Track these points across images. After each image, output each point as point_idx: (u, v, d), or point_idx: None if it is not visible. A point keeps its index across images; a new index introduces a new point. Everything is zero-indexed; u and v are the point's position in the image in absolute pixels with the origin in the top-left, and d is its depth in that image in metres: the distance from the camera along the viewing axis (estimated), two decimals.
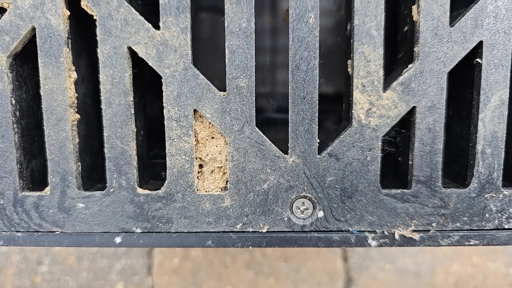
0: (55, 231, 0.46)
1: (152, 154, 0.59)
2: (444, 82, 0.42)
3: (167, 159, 0.44)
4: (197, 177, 0.45)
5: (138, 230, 0.46)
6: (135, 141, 0.45)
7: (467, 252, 1.01)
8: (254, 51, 0.42)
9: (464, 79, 0.45)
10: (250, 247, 0.45)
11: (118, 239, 0.46)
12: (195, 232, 0.46)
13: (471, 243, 0.45)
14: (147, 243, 0.46)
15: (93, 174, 0.51)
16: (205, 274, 1.05)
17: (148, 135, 0.54)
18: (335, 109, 0.62)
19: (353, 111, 0.43)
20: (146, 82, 0.53)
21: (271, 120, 0.63)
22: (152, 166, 0.59)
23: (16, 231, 0.46)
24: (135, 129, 0.45)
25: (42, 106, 0.44)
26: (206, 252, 1.04)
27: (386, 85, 0.43)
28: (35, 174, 0.49)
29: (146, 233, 0.46)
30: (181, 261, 1.03)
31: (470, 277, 1.01)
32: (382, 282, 1.02)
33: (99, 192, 0.45)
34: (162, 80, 0.43)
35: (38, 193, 0.46)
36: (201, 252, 1.03)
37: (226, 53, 0.42)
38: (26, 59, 0.47)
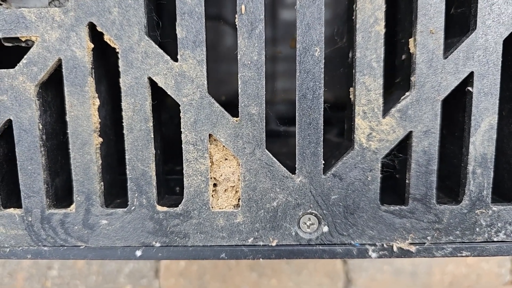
0: (80, 245, 0.50)
1: (166, 169, 0.63)
2: (438, 109, 0.46)
3: (184, 179, 0.48)
4: (212, 195, 0.49)
5: (157, 244, 0.50)
6: (155, 163, 0.49)
7: None
8: (264, 82, 0.46)
9: (457, 103, 0.49)
10: (261, 259, 0.49)
11: (138, 253, 0.50)
12: (210, 246, 0.49)
13: (463, 255, 0.49)
14: (165, 256, 0.50)
15: (112, 190, 0.55)
16: (211, 276, 1.08)
17: (163, 151, 0.58)
18: (335, 118, 0.65)
19: (355, 135, 0.47)
20: (161, 102, 0.56)
21: (275, 132, 0.67)
22: (166, 181, 0.63)
23: (44, 246, 0.50)
24: (154, 151, 0.49)
25: (68, 131, 0.48)
26: None
27: (385, 111, 0.47)
28: (58, 192, 0.53)
29: (165, 247, 0.50)
30: (187, 264, 1.06)
31: (465, 277, 1.06)
32: (381, 282, 1.06)
33: (121, 209, 0.49)
34: (180, 108, 0.47)
35: (64, 210, 0.50)
36: None
37: (239, 83, 0.46)
38: (49, 85, 0.50)
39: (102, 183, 0.49)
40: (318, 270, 1.08)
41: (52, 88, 0.51)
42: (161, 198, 0.54)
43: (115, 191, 0.56)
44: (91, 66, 0.47)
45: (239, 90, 0.46)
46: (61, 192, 0.54)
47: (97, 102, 0.48)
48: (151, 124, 0.48)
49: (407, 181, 0.48)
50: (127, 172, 0.48)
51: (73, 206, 0.49)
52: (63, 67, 0.47)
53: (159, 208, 0.49)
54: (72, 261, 1.04)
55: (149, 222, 0.49)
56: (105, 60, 0.52)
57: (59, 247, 0.50)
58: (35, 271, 1.04)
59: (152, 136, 0.48)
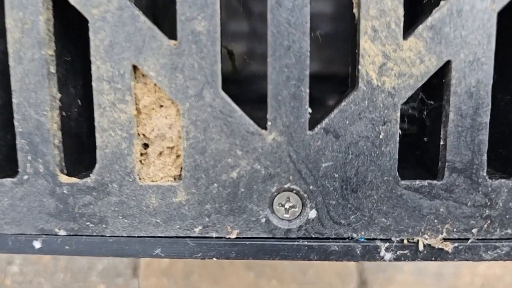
0: None
1: None
2: (492, 25, 0.29)
3: (96, 135, 0.32)
4: (140, 161, 0.32)
5: (62, 233, 0.33)
6: (58, 111, 0.33)
7: None
8: None
9: None
10: (214, 259, 0.33)
11: (37, 244, 0.34)
12: (138, 237, 0.33)
13: None
14: (75, 249, 0.34)
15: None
16: (199, 276, 0.95)
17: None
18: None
19: (360, 67, 0.30)
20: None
21: (246, 87, 0.49)
22: None
23: None
24: (58, 94, 0.33)
25: None
26: None
27: (409, 29, 0.29)
28: None
29: (73, 236, 0.33)
30: (171, 261, 0.92)
31: (498, 279, 0.92)
32: (400, 284, 0.92)
33: (8, 179, 0.33)
34: (89, 24, 0.30)
35: None
36: None
37: None
38: None
39: None
40: (326, 270, 0.95)
41: None
42: (84, 170, 0.38)
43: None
44: None
45: None
46: None
47: None
48: (50, 51, 0.31)
49: (441, 142, 0.31)
50: (15, 123, 0.32)
51: None
52: None
53: (62, 178, 0.33)
54: (36, 256, 0.90)
55: (49, 199, 0.33)
56: None
57: None
58: None
59: (52, 70, 0.32)
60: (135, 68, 0.31)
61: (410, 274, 0.91)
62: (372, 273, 0.91)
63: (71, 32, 0.35)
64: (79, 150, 0.37)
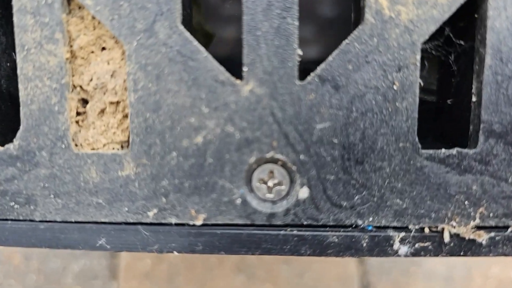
0: None
1: None
2: None
3: (19, 86, 0.24)
4: (77, 122, 0.25)
5: None
6: None
7: None
8: None
9: None
10: (175, 252, 0.25)
11: None
12: (76, 222, 0.25)
13: None
14: None
15: None
16: (185, 278, 0.89)
17: None
18: None
19: None
20: None
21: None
22: None
23: None
24: None
25: None
26: None
27: None
28: None
29: None
30: (154, 263, 0.85)
31: None
32: None
33: None
34: None
35: None
36: None
37: None
38: None
39: None
40: (325, 272, 0.90)
41: None
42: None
43: None
44: None
45: None
46: None
47: None
48: None
49: (474, 99, 0.23)
50: None
51: None
52: None
53: None
54: (6, 256, 0.83)
55: None
56: None
57: None
58: None
59: None
60: None
61: (417, 278, 0.85)
62: (376, 276, 0.85)
63: None
64: (14, 114, 0.30)
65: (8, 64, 0.29)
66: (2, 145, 0.26)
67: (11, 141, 0.27)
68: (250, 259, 0.87)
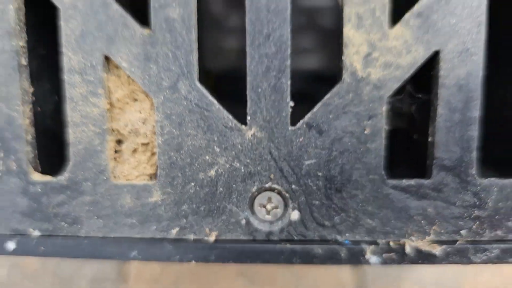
0: None
1: None
2: (483, 13, 0.28)
3: (68, 130, 0.30)
4: (114, 158, 0.31)
5: (36, 233, 0.32)
6: (31, 106, 0.31)
7: None
8: None
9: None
10: (192, 262, 0.31)
11: (11, 245, 0.33)
12: (114, 238, 0.31)
13: None
14: (51, 251, 0.32)
15: None
16: (190, 282, 0.92)
17: None
18: None
19: (343, 58, 0.28)
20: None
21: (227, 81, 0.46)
22: None
23: None
24: (31, 88, 0.31)
25: None
26: None
27: (396, 18, 0.28)
28: None
29: (48, 237, 0.32)
30: (162, 268, 0.89)
31: None
32: None
33: None
34: (60, 13, 0.29)
35: None
36: None
37: None
38: None
39: None
40: (321, 277, 0.91)
41: None
42: (56, 167, 0.36)
43: None
44: None
45: None
46: None
47: None
48: (21, 42, 0.30)
49: (430, 139, 0.29)
50: None
51: None
52: None
53: (35, 176, 0.31)
54: (24, 261, 0.88)
55: (22, 198, 0.31)
56: None
57: None
58: None
59: (24, 62, 0.30)
60: (107, 59, 0.29)
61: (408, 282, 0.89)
62: (368, 280, 0.90)
63: (45, 24, 0.33)
64: (56, 148, 0.36)
65: (52, 105, 0.35)
66: (48, 172, 0.32)
67: (53, 168, 0.33)
68: (250, 264, 0.91)
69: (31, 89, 0.31)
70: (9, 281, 0.86)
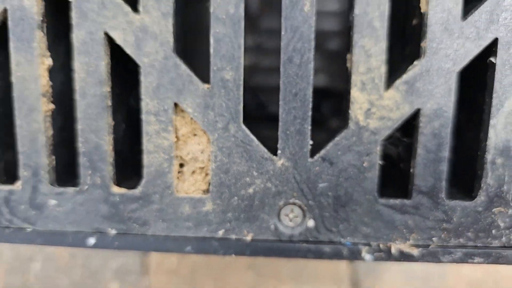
0: (26, 228, 0.43)
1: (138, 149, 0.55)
2: (453, 82, 0.38)
3: (144, 156, 0.41)
4: (177, 177, 0.41)
5: (113, 232, 0.42)
6: (112, 136, 0.41)
7: None
8: (242, 40, 0.38)
9: (477, 80, 0.41)
10: (233, 255, 0.42)
11: (92, 240, 0.43)
12: (174, 236, 0.42)
13: (475, 261, 0.40)
14: (123, 245, 0.43)
15: (72, 169, 0.47)
16: (205, 274, 1.02)
17: (133, 130, 0.50)
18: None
19: (350, 111, 0.39)
20: (130, 72, 0.49)
21: (258, 115, 0.58)
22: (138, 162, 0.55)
23: None
24: (112, 122, 0.41)
25: (13, 94, 0.41)
26: None
27: (389, 83, 0.38)
28: (10, 167, 0.46)
29: (122, 234, 0.42)
30: (179, 261, 0.99)
31: (482, 282, 0.96)
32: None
33: (72, 188, 0.42)
34: (141, 69, 0.39)
35: (9, 186, 0.43)
36: None
37: (211, 42, 0.38)
38: None
39: (53, 157, 0.42)
40: (320, 271, 1.01)
41: (3, 47, 0.44)
42: (125, 179, 0.47)
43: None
44: (40, 18, 0.40)
45: (211, 50, 0.38)
46: (13, 167, 0.46)
47: (48, 61, 0.41)
48: (108, 89, 0.40)
49: (411, 170, 0.40)
50: (79, 144, 0.41)
51: (19, 183, 0.42)
52: (8, 18, 0.40)
53: (114, 189, 0.41)
54: (56, 254, 0.98)
55: (103, 205, 0.42)
56: (66, 17, 0.45)
57: (4, 229, 0.43)
58: (18, 264, 0.98)
59: (109, 103, 0.41)
60: (176, 105, 0.40)
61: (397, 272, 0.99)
62: (362, 272, 0.99)
63: (122, 73, 0.44)
64: (122, 164, 0.46)
65: (121, 132, 0.46)
66: (119, 185, 0.43)
67: (119, 181, 0.43)
68: (258, 259, 1.01)
69: (113, 123, 0.42)
70: (43, 274, 0.96)
